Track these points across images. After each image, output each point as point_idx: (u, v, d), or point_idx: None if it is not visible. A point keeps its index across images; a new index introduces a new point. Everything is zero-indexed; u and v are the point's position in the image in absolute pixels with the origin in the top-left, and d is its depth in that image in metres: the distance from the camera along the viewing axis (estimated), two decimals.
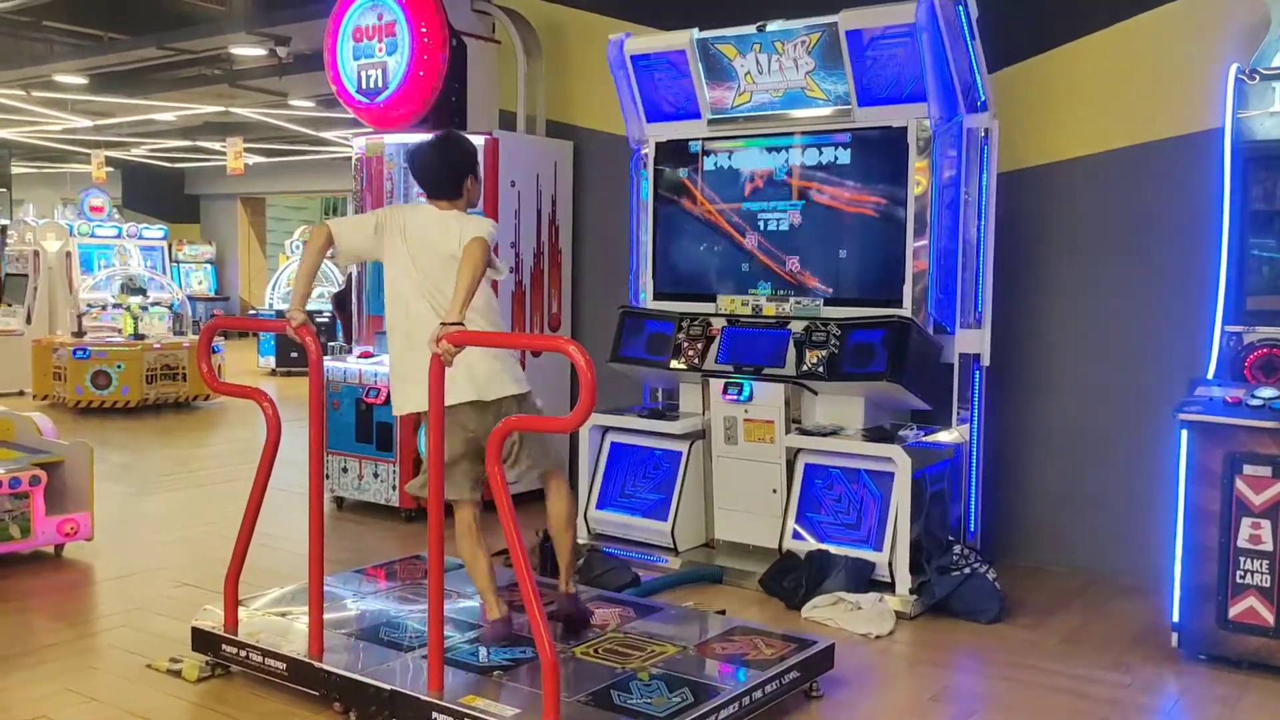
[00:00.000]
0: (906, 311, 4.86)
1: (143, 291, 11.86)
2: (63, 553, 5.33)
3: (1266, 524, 3.86)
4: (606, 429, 5.56)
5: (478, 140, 6.08)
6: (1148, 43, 5.06)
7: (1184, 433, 3.98)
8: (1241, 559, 3.90)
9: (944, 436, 4.98)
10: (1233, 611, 3.93)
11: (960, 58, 4.78)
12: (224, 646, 3.77)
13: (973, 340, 4.94)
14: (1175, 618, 4.06)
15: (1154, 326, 5.07)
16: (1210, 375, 4.25)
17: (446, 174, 3.87)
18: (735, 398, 5.11)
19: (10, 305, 12.85)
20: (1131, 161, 5.11)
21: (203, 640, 3.85)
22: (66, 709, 3.54)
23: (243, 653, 3.72)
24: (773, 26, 5.04)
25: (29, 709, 3.53)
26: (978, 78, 4.86)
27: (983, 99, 4.90)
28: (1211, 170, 4.44)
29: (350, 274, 6.79)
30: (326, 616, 3.67)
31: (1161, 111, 5.02)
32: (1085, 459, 5.27)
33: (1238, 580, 3.91)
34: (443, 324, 3.27)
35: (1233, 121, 4.19)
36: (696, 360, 5.26)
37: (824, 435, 4.92)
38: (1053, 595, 4.91)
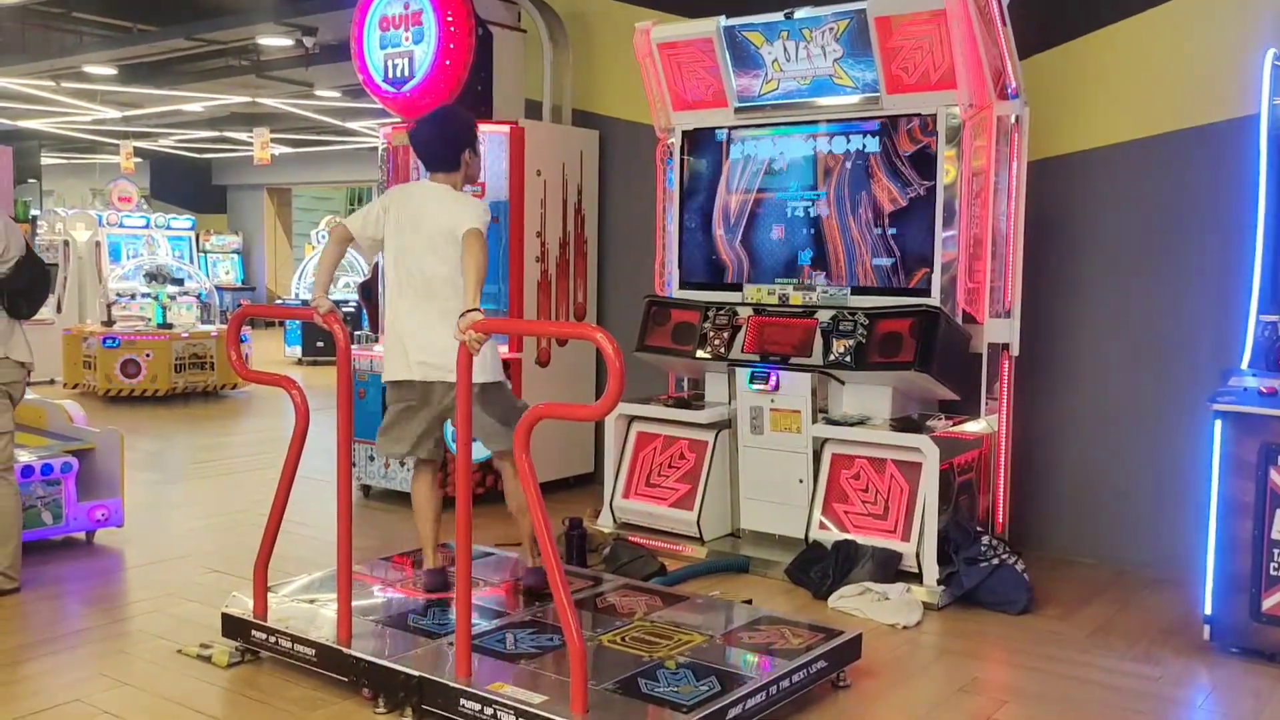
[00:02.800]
0: (935, 301, 4.82)
1: (179, 281, 11.98)
2: (94, 539, 5.38)
3: None
4: (632, 418, 5.55)
5: (503, 129, 6.16)
6: (1181, 28, 4.99)
7: (1218, 423, 3.93)
8: (1276, 551, 3.85)
9: (972, 427, 4.95)
10: (1266, 604, 3.88)
11: (991, 44, 4.73)
12: (253, 632, 3.80)
13: (1002, 330, 4.91)
14: (1207, 610, 4.01)
15: (1186, 315, 5.01)
16: (1244, 365, 4.21)
17: (443, 147, 4.05)
18: (761, 387, 5.10)
19: None
20: (1165, 149, 5.04)
21: (232, 626, 3.88)
22: (99, 693, 3.58)
23: (272, 638, 3.74)
24: (800, 13, 5.00)
25: (63, 693, 3.57)
26: (1008, 64, 4.80)
27: (1013, 86, 4.85)
28: (1246, 157, 4.38)
29: (376, 263, 6.81)
30: (355, 603, 3.69)
31: (1196, 98, 4.95)
32: (1116, 449, 5.22)
33: (1271, 572, 3.86)
34: (463, 313, 3.37)
35: (1269, 108, 4.13)
36: (722, 349, 5.25)
37: (851, 425, 4.90)
38: (1082, 587, 4.87)
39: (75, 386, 10.56)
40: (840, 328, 4.93)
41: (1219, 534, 3.96)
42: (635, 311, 5.70)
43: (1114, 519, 5.23)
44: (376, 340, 6.58)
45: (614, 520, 5.51)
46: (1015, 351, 4.94)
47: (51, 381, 11.07)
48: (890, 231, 5.01)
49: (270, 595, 3.90)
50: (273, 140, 16.62)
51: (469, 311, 3.39)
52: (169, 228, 14.86)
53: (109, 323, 11.00)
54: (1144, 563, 5.08)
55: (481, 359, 3.79)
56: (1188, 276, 5.01)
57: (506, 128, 6.20)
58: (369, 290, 6.96)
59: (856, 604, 4.43)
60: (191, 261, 14.35)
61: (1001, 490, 5.03)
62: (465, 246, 3.70)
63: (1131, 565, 5.10)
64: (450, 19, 5.96)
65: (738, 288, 5.43)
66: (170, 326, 10.93)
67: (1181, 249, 5.03)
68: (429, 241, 3.94)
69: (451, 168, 4.07)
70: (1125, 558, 5.15)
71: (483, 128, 6.11)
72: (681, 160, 5.62)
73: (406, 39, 6.10)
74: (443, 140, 4.06)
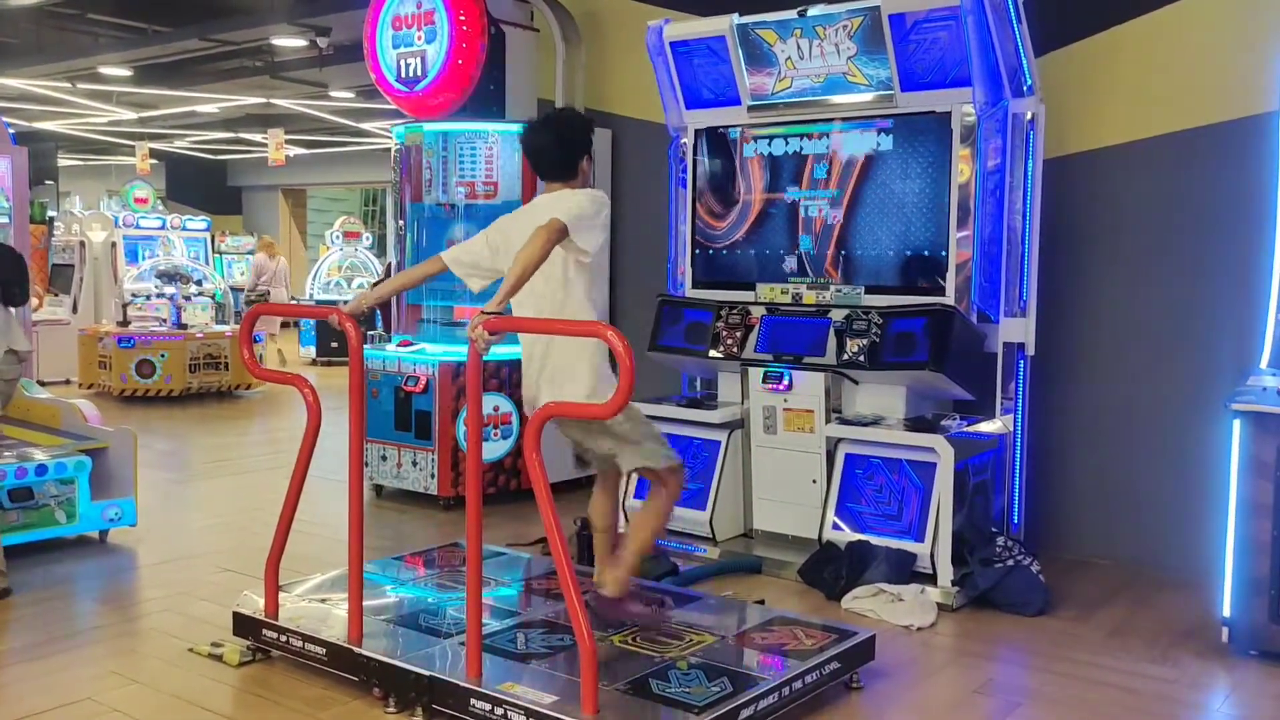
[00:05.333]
0: (949, 300, 4.79)
1: (199, 282, 12.03)
2: (107, 538, 5.39)
3: None
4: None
5: (516, 128, 6.14)
6: (1198, 25, 4.94)
7: (1236, 423, 3.89)
8: None
9: (987, 427, 4.91)
10: None
11: (1006, 41, 4.69)
12: (264, 631, 3.79)
13: (1017, 329, 4.87)
14: (1226, 612, 3.97)
15: (1204, 314, 4.96)
16: (1263, 364, 4.16)
17: (565, 154, 3.66)
18: (775, 387, 5.07)
19: (57, 295, 13.05)
20: (1181, 147, 4.99)
21: (243, 625, 3.87)
22: (110, 691, 3.57)
23: (283, 638, 3.73)
24: (814, 11, 4.97)
25: (74, 691, 3.57)
26: (1024, 61, 4.77)
27: (1029, 83, 4.81)
28: (1263, 155, 4.34)
29: (390, 264, 6.82)
30: (366, 603, 3.68)
31: (1212, 96, 4.90)
32: (1132, 450, 5.18)
33: None
34: (481, 311, 3.22)
35: None
36: (735, 349, 5.22)
37: (865, 425, 4.87)
38: (1098, 588, 4.82)
39: (90, 386, 10.60)
40: (854, 327, 4.90)
41: (1238, 535, 3.91)
42: (648, 311, 5.68)
43: (1131, 520, 5.18)
44: (389, 340, 6.57)
45: (626, 520, 5.48)
46: (1031, 351, 4.89)
47: (67, 382, 11.12)
48: (904, 230, 4.97)
49: (282, 594, 3.89)
50: (287, 141, 16.68)
51: (484, 312, 3.18)
52: (185, 229, 14.93)
53: (124, 323, 11.04)
54: (1162, 564, 5.03)
55: (593, 376, 3.50)
56: (1206, 275, 4.96)
57: (519, 127, 6.17)
58: None
59: (870, 605, 4.40)
60: (207, 263, 14.40)
61: (1017, 490, 4.99)
62: (533, 233, 3.29)
63: (1149, 567, 5.05)
64: (463, 18, 5.96)
65: (751, 287, 5.40)
66: (185, 327, 10.97)
67: (1199, 247, 4.98)
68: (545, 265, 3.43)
69: (570, 176, 3.66)
70: (1143, 559, 5.11)
71: (495, 127, 6.15)
72: (694, 159, 5.60)
73: (419, 38, 6.10)
74: (563, 146, 3.66)
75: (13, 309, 4.63)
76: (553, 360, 3.55)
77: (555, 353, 3.54)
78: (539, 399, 3.55)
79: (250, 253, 21.20)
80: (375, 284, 7.93)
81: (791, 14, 5.03)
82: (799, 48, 5.09)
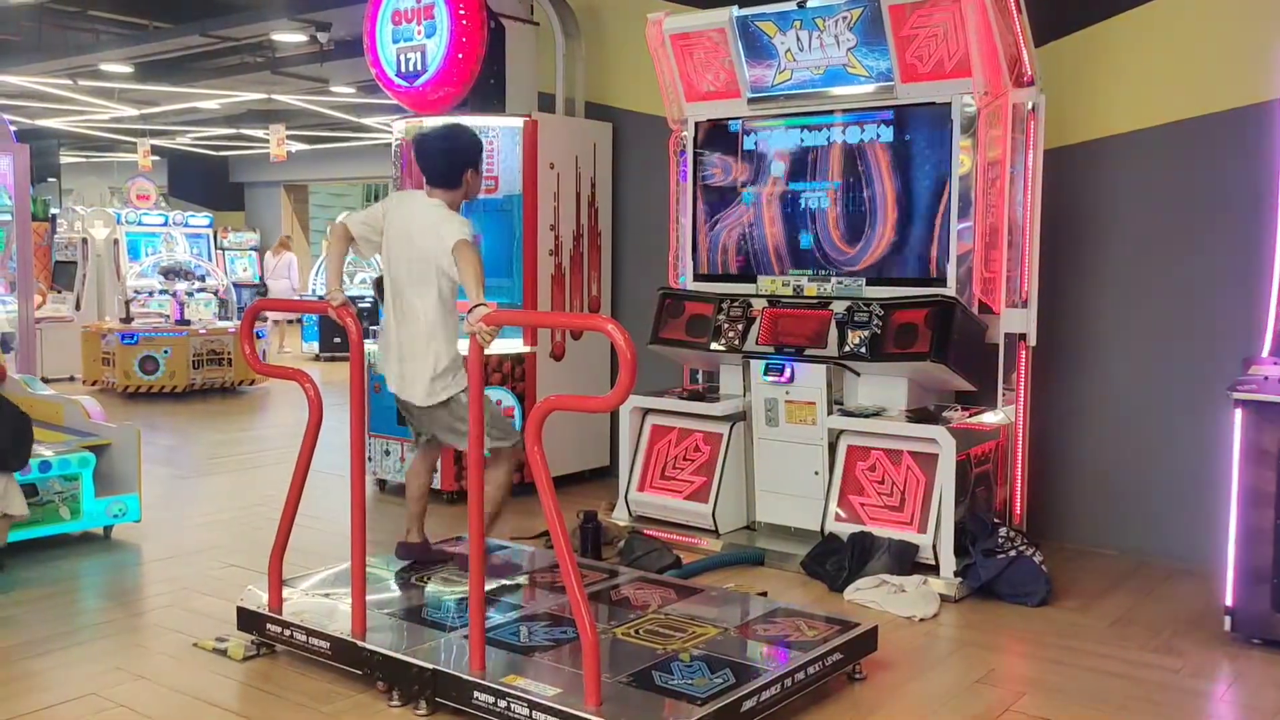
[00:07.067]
0: (950, 291, 4.79)
1: (201, 278, 12.06)
2: (111, 534, 5.40)
3: None
4: (647, 411, 5.53)
5: (516, 122, 6.15)
6: (1200, 13, 4.93)
7: (1238, 412, 3.89)
8: None
9: (989, 417, 4.91)
10: None
11: (1006, 31, 4.68)
12: (269, 626, 3.81)
13: (1018, 319, 4.87)
14: (1229, 601, 3.97)
15: (1206, 303, 4.95)
16: (1265, 353, 4.15)
17: (448, 164, 4.08)
18: (776, 379, 5.07)
19: (60, 292, 13.06)
20: (1184, 136, 4.98)
21: (247, 620, 3.88)
22: (115, 687, 3.59)
23: (287, 632, 3.75)
24: (814, 3, 4.96)
25: (78, 687, 3.59)
26: (1024, 51, 4.76)
27: (1029, 73, 4.80)
28: (1267, 143, 4.33)
29: None
30: (369, 597, 3.69)
31: (1215, 84, 4.89)
32: (1134, 439, 5.18)
33: None
34: (473, 307, 3.36)
35: None
36: (737, 341, 5.23)
37: (866, 416, 4.87)
38: (1101, 578, 4.83)
39: (94, 383, 10.62)
40: (855, 319, 4.90)
41: (1240, 524, 3.91)
42: (650, 304, 5.68)
43: (1134, 509, 5.18)
44: None
45: (629, 513, 5.50)
46: (1032, 341, 4.89)
47: (71, 378, 11.15)
48: (905, 222, 4.97)
49: (285, 589, 3.90)
50: (288, 137, 16.67)
51: (477, 306, 3.38)
52: (187, 225, 14.93)
53: (127, 320, 11.06)
54: (1164, 553, 5.03)
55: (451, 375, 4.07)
56: (1208, 264, 4.95)
57: (520, 121, 6.19)
58: (383, 285, 6.96)
59: (873, 596, 4.40)
60: (210, 259, 14.42)
61: (1019, 481, 4.99)
62: (458, 258, 3.74)
63: (1152, 556, 5.06)
64: (462, 12, 5.95)
65: (752, 279, 5.40)
66: (188, 323, 10.98)
67: (1201, 236, 4.97)
68: (409, 267, 4.02)
69: (453, 185, 4.11)
70: (1145, 548, 5.11)
71: (496, 121, 6.16)
72: (695, 152, 5.59)
73: (419, 33, 6.09)
74: (448, 157, 4.10)
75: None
76: (435, 350, 4.03)
77: (438, 345, 4.03)
78: (426, 391, 4.07)
79: (253, 249, 21.25)
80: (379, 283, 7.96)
81: (791, 6, 5.02)
82: (799, 39, 5.08)
